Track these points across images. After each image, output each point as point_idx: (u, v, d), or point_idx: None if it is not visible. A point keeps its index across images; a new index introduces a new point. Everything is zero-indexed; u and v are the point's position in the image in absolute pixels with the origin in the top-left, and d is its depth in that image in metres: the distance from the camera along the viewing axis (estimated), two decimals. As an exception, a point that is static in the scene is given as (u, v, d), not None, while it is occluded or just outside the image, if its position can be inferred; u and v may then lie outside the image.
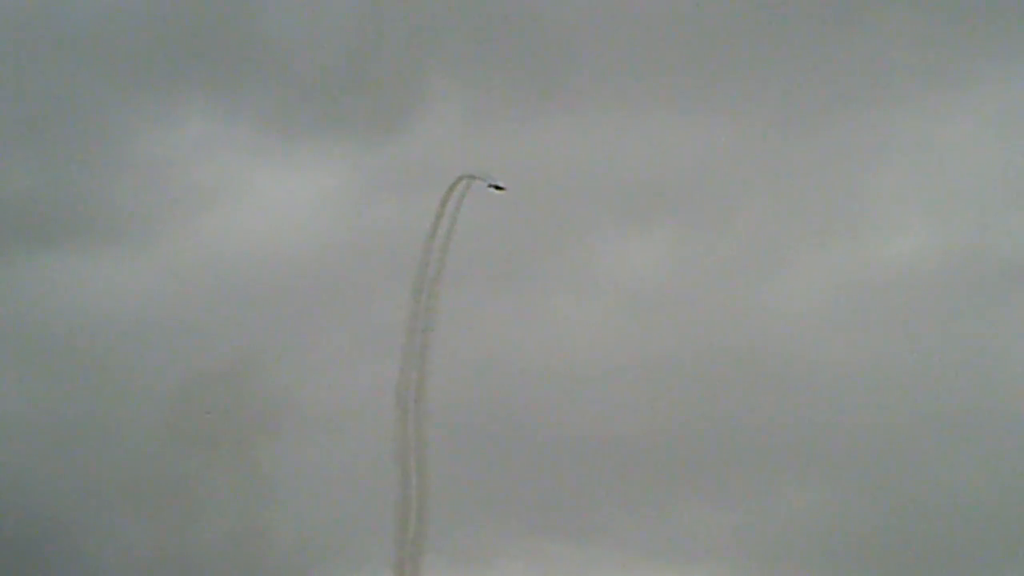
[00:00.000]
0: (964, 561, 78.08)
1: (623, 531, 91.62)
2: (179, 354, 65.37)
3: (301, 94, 77.04)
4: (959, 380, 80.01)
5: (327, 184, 77.77)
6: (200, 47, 77.54)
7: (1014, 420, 79.77)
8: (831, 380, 79.02)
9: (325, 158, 77.94)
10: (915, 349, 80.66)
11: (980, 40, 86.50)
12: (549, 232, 69.34)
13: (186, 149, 79.69)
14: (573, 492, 78.67)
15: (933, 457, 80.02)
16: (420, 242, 48.94)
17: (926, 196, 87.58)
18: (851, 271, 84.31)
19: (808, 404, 79.15)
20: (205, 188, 78.41)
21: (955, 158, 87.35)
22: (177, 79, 78.85)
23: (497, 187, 46.90)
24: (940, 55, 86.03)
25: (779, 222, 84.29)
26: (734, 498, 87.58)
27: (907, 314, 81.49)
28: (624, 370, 76.14)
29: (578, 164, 77.14)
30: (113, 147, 78.01)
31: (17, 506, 63.76)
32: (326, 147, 77.65)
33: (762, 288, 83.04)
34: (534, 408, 70.90)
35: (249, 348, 62.73)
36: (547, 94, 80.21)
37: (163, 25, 77.72)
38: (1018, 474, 77.79)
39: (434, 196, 48.93)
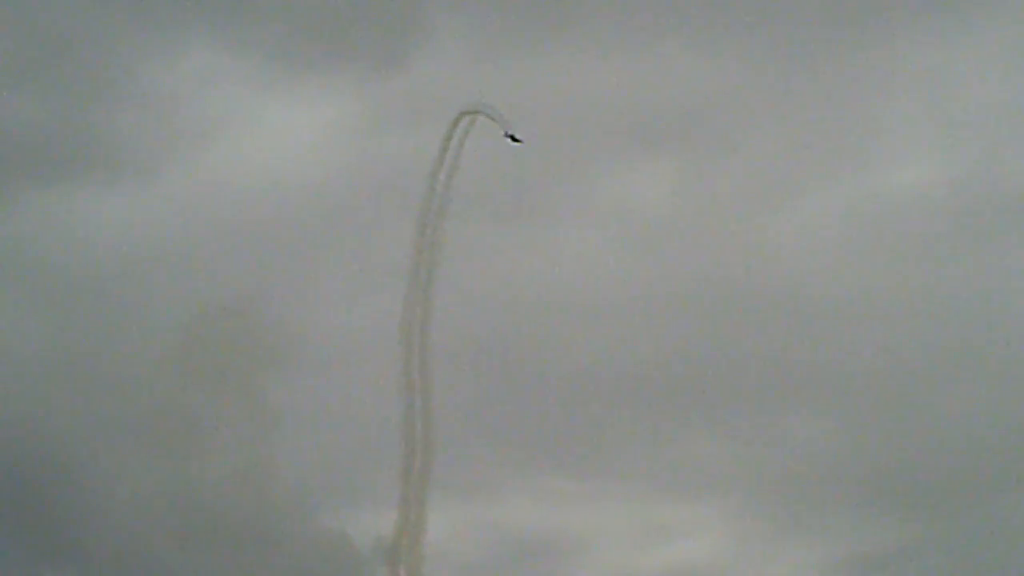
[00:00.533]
0: (969, 490, 78.32)
1: (629, 465, 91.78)
2: (184, 288, 65.26)
3: (305, 26, 76.54)
4: (964, 310, 79.90)
5: (332, 116, 77.39)
6: (204, -21, 77.10)
7: (1018, 350, 79.83)
8: (837, 311, 78.92)
9: (330, 90, 77.54)
10: (921, 280, 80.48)
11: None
12: (554, 164, 68.84)
13: (190, 82, 79.29)
14: (579, 426, 78.74)
15: (938, 387, 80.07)
16: (425, 175, 48.64)
17: (933, 127, 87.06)
18: (857, 202, 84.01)
19: (814, 335, 79.13)
20: (209, 121, 78.06)
21: (962, 89, 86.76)
22: (181, 12, 78.34)
23: (514, 138, 46.44)
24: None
25: (786, 153, 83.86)
26: (740, 431, 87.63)
27: (913, 245, 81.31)
28: (630, 302, 76.02)
29: (583, 96, 76.60)
30: (117, 81, 77.65)
31: (24, 441, 63.92)
32: (330, 79, 77.25)
33: (768, 219, 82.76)
34: (539, 341, 70.78)
35: (254, 282, 62.67)
36: (552, 26, 79.62)
37: (167, -41, 77.30)
38: (1021, 403, 77.96)
39: (439, 128, 48.53)
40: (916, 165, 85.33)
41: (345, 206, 68.79)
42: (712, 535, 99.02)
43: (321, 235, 69.18)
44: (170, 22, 78.45)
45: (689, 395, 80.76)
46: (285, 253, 66.53)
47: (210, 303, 60.12)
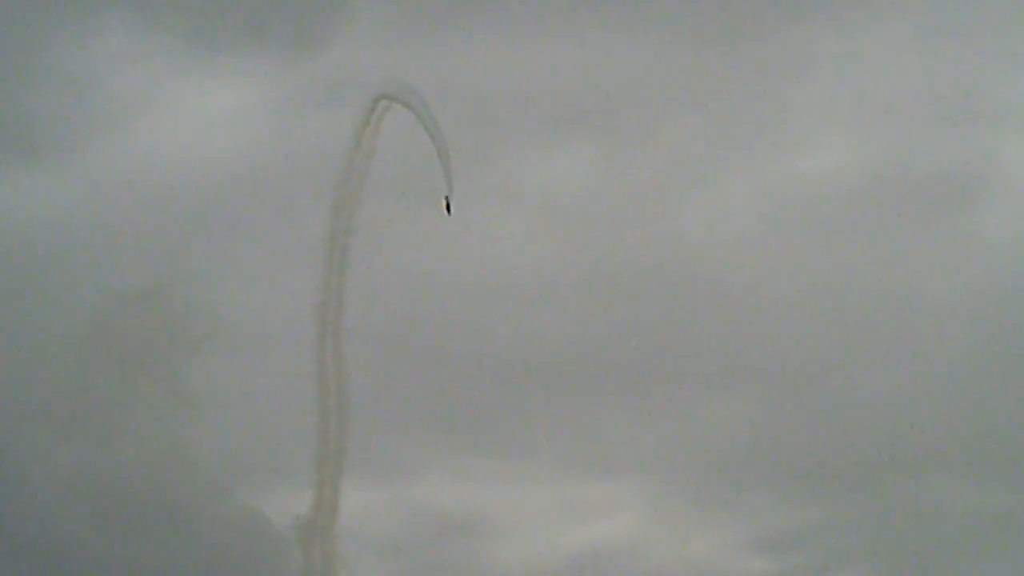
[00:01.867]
0: (882, 471, 79.75)
1: (549, 445, 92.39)
2: (99, 271, 64.74)
3: (224, 6, 76.08)
4: (877, 294, 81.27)
5: (249, 97, 77.09)
6: (117, -43, 76.37)
7: (932, 334, 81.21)
8: (753, 295, 79.99)
9: (247, 71, 77.16)
10: (835, 264, 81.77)
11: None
12: (473, 146, 68.96)
13: (106, 63, 78.58)
14: (498, 406, 79.23)
15: (851, 371, 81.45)
16: (342, 156, 48.60)
17: (848, 111, 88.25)
18: (772, 186, 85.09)
19: (732, 318, 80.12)
20: (125, 102, 77.48)
21: (877, 73, 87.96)
22: (96, -9, 77.67)
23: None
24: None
25: (704, 137, 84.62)
26: (658, 412, 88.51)
27: (827, 229, 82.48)
28: (549, 285, 76.54)
29: (504, 79, 76.87)
30: (30, 61, 76.66)
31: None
32: (248, 60, 76.86)
33: (686, 202, 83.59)
34: (458, 323, 71.11)
35: (170, 265, 62.34)
36: (473, 8, 79.75)
37: (78, -65, 76.48)
38: (936, 385, 79.35)
39: (356, 110, 48.44)
40: (830, 149, 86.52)
41: (261, 188, 68.65)
42: (630, 514, 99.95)
43: (237, 217, 69.06)
44: (87, 1, 77.74)
45: (608, 376, 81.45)
46: (201, 235, 66.36)
47: (125, 286, 59.83)
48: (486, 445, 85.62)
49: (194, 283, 59.37)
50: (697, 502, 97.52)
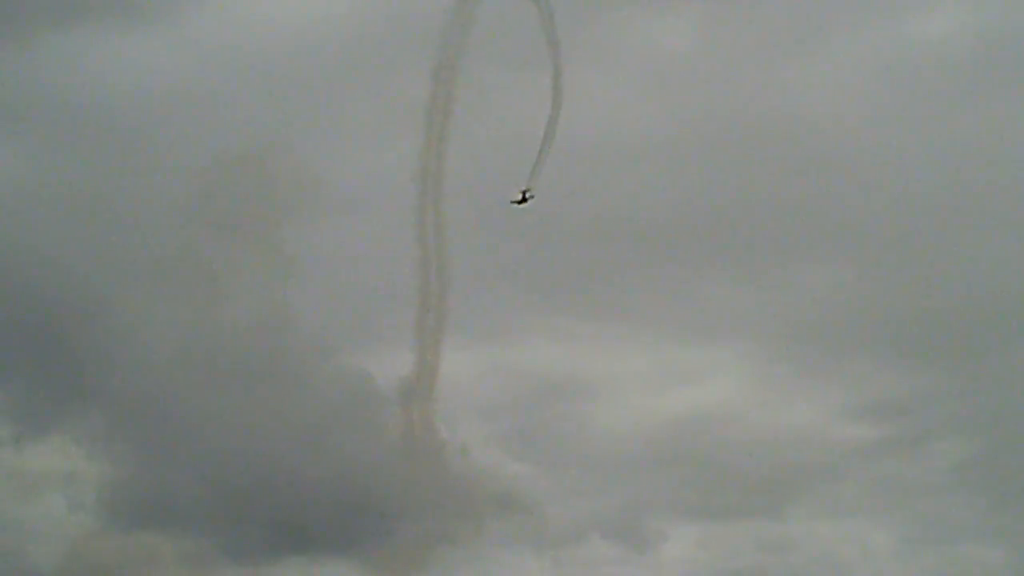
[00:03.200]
0: (984, 337, 78.94)
1: (649, 309, 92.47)
2: (203, 137, 65.46)
3: None
4: (982, 161, 79.60)
5: (354, -39, 76.47)
6: None
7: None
8: (856, 159, 78.63)
9: (349, -66, 76.52)
10: (941, 130, 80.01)
11: None
12: (578, 10, 68.19)
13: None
14: (598, 270, 79.29)
15: (955, 236, 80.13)
16: (443, 19, 48.32)
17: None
18: (881, 50, 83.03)
19: (833, 183, 79.06)
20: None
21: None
22: None
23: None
24: None
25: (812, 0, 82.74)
26: (760, 278, 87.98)
27: (936, 95, 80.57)
28: (651, 148, 75.84)
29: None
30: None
31: (48, 284, 64.92)
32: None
33: (791, 66, 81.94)
34: (559, 186, 70.73)
35: (273, 128, 62.82)
36: None
37: None
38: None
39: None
40: (942, 14, 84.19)
41: (364, 52, 68.42)
42: (729, 380, 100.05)
43: (340, 81, 69.05)
44: None
45: (709, 240, 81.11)
46: (303, 99, 66.61)
47: (228, 151, 60.31)
48: (586, 308, 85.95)
49: (295, 148, 59.71)
50: (797, 368, 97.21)
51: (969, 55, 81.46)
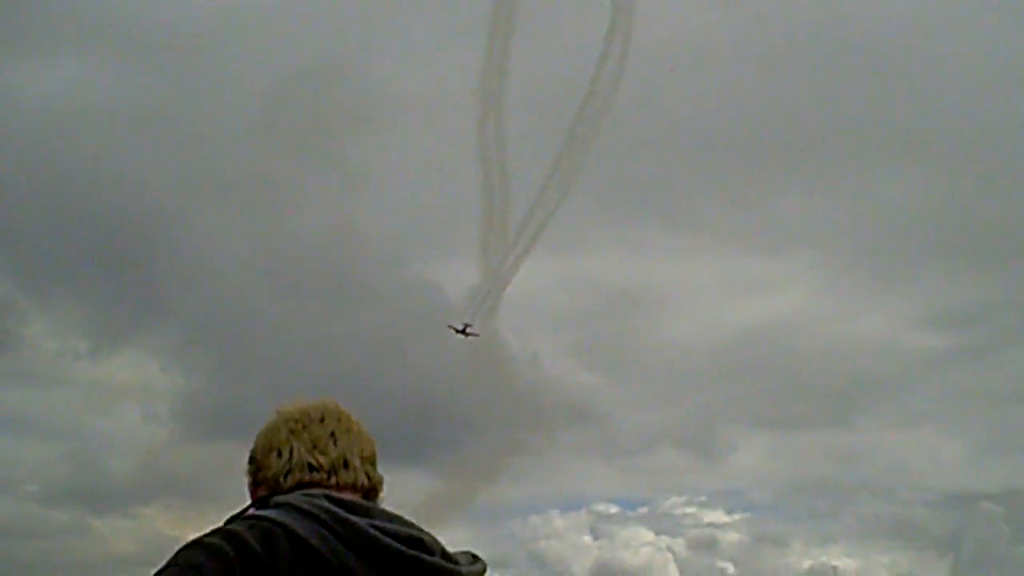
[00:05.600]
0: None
1: (719, 219, 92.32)
2: (271, 51, 65.98)
3: None
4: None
5: None
6: None
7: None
8: (929, 67, 77.35)
9: None
10: (1018, 35, 78.51)
11: None
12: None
13: None
14: (668, 181, 79.19)
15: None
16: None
17: None
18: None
19: (908, 90, 77.88)
20: None
21: None
22: None
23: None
24: None
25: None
26: (831, 186, 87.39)
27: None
28: (721, 56, 74.83)
29: None
30: None
31: (122, 200, 65.99)
32: None
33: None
34: (624, 94, 70.33)
35: (338, 44, 63.07)
36: None
37: None
38: None
39: None
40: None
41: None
42: (799, 289, 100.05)
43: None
44: None
45: (780, 149, 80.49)
46: (367, 15, 66.43)
47: (293, 67, 60.69)
48: (656, 219, 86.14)
49: (361, 63, 59.96)
50: (868, 278, 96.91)
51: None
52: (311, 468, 2.52)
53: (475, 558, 2.55)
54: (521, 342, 69.81)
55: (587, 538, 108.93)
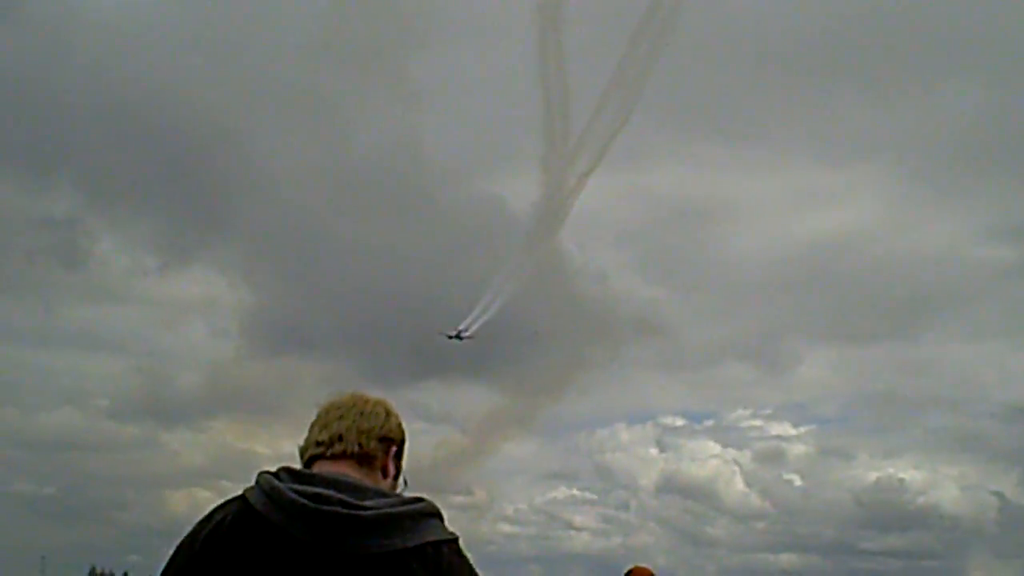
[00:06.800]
0: None
1: (784, 132, 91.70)
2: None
3: None
4: None
5: None
6: None
7: None
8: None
9: None
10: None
11: None
12: None
13: None
14: (732, 93, 78.33)
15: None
16: None
17: None
18: None
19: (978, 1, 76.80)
20: None
21: None
22: None
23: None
24: None
25: None
26: (897, 97, 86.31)
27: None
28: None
29: None
30: None
31: (192, 120, 66.56)
32: None
33: None
34: (690, 6, 69.61)
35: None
36: None
37: None
38: None
39: None
40: None
41: None
42: (866, 201, 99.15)
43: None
44: None
45: (846, 61, 79.56)
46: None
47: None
48: (721, 132, 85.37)
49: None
50: (935, 189, 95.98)
51: None
52: (317, 444, 3.13)
53: (417, 500, 3.04)
54: (586, 257, 69.97)
55: (653, 451, 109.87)
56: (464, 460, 64.98)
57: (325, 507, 2.86)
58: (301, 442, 3.21)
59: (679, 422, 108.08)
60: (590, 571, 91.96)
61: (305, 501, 2.86)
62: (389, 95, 57.79)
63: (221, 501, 3.07)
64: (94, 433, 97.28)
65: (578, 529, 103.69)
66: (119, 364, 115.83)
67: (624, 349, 74.49)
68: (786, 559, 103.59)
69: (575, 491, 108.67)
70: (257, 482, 2.97)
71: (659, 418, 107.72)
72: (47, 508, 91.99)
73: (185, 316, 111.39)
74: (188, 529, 3.02)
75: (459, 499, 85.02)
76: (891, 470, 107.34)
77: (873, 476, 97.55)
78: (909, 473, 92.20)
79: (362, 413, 3.17)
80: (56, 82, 70.79)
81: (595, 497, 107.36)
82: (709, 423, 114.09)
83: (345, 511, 2.86)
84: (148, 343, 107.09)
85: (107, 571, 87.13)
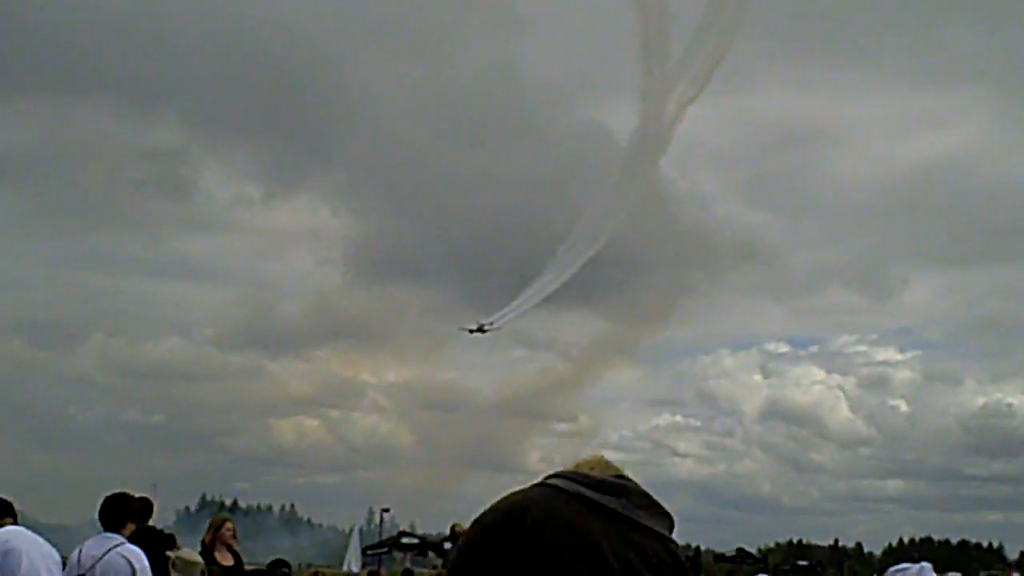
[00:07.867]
0: None
1: (888, 54, 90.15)
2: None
3: None
4: None
5: None
6: None
7: None
8: None
9: None
10: None
11: None
12: None
13: None
14: (836, 15, 77.44)
15: None
16: None
17: None
18: None
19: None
20: None
21: None
22: None
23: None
24: None
25: None
26: (1005, 20, 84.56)
27: None
28: None
29: None
30: None
31: (295, 51, 67.08)
32: None
33: None
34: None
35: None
36: None
37: None
38: None
39: None
40: None
41: None
42: (972, 124, 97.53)
43: None
44: None
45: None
46: None
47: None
48: (824, 54, 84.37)
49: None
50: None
51: None
52: None
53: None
54: (688, 183, 69.66)
55: (757, 377, 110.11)
56: (567, 387, 65.52)
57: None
58: None
59: (783, 348, 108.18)
60: (695, 497, 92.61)
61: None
62: (489, 21, 57.83)
63: None
64: (201, 362, 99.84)
65: (682, 456, 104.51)
66: (224, 294, 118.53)
67: (727, 275, 74.46)
68: (892, 485, 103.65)
69: (679, 418, 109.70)
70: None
71: (763, 344, 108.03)
72: (156, 436, 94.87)
73: (289, 245, 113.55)
74: None
75: (563, 426, 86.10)
76: (998, 395, 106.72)
77: (980, 401, 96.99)
78: (1017, 398, 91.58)
79: None
80: (160, 17, 71.78)
81: (699, 424, 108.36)
82: (813, 349, 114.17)
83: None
84: (253, 273, 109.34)
85: (217, 498, 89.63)
